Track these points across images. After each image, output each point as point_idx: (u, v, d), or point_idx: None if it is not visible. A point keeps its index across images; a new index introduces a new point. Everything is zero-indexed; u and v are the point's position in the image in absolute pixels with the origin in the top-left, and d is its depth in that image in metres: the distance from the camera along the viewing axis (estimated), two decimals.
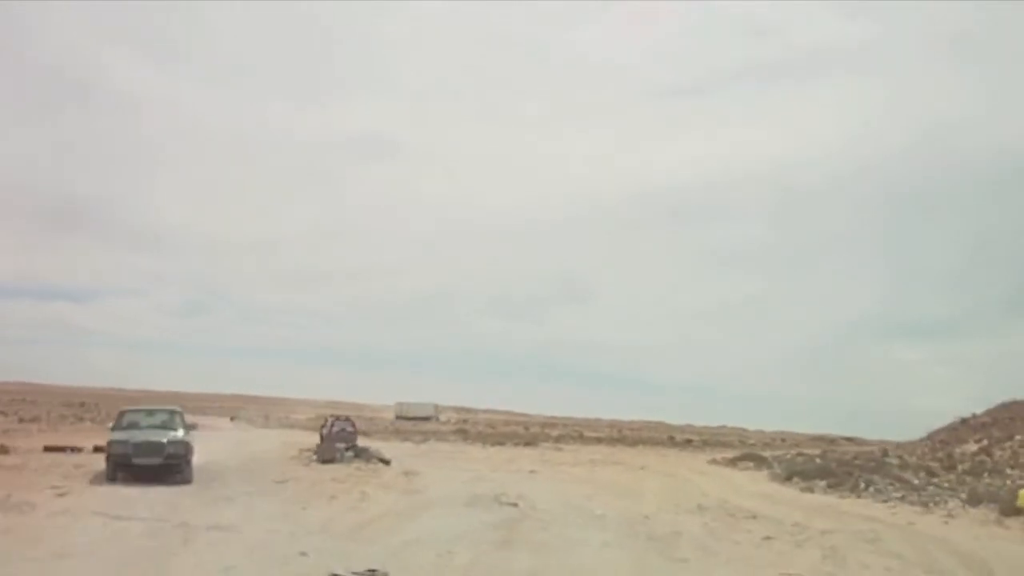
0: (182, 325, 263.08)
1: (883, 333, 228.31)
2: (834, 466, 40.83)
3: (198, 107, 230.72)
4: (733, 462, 53.08)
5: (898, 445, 52.23)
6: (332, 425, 57.03)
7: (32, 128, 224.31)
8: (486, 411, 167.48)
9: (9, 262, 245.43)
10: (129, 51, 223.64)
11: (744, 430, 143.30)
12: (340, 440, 52.56)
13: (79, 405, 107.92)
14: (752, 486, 37.18)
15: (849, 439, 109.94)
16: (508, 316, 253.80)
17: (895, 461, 43.00)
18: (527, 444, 68.05)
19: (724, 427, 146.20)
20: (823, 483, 36.42)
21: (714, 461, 56.32)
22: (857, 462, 43.36)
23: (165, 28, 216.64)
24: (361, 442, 45.50)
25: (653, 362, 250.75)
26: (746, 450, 64.72)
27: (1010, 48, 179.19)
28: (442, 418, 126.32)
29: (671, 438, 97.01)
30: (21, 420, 71.00)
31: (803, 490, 35.60)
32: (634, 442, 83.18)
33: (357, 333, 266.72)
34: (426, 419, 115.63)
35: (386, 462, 36.72)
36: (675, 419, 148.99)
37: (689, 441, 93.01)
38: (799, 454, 57.19)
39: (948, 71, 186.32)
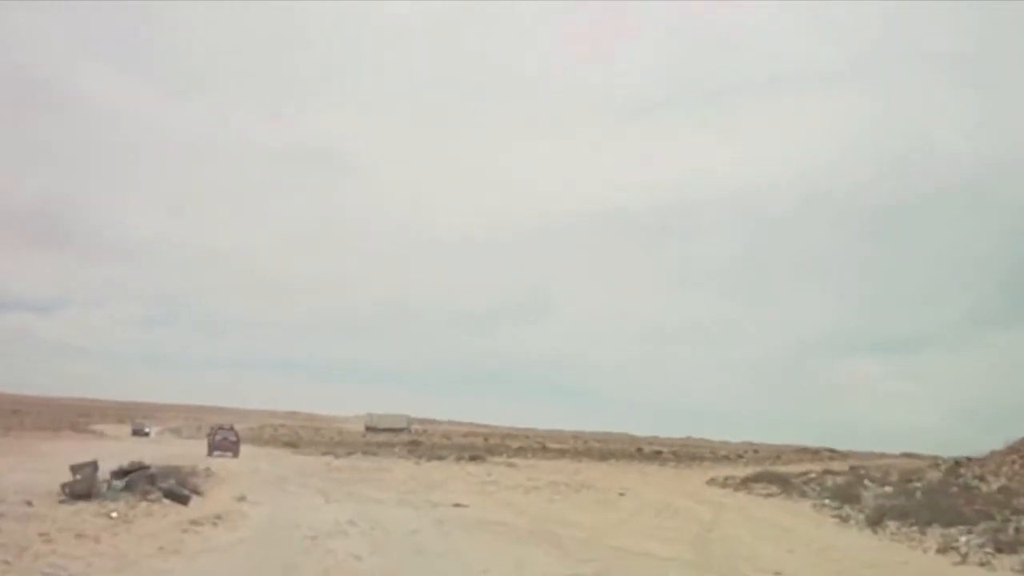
0: (143, 336, 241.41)
1: (847, 349, 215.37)
2: (940, 501, 23.28)
3: (163, 118, 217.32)
4: (745, 485, 35.81)
5: (969, 460, 34.89)
6: (215, 434, 53.63)
7: None
8: (449, 422, 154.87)
9: None
10: (92, 60, 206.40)
11: (709, 441, 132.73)
12: (220, 448, 49.93)
13: (11, 412, 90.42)
14: (837, 542, 19.59)
15: (831, 451, 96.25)
16: (470, 329, 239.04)
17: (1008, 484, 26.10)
18: (473, 459, 50.31)
19: (690, 438, 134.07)
20: (946, 532, 19.12)
21: (713, 482, 39.19)
22: (953, 489, 26.24)
23: (132, 39, 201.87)
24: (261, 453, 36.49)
25: (615, 376, 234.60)
26: (752, 467, 47.76)
27: (989, 71, 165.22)
28: (414, 429, 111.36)
29: (639, 450, 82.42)
30: None
31: (924, 548, 18.23)
32: (602, 455, 65.60)
33: (319, 345, 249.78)
34: (399, 430, 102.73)
35: (182, 499, 18.94)
36: (639, 431, 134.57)
37: (659, 453, 79.14)
38: (827, 472, 39.67)
39: (916, 96, 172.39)
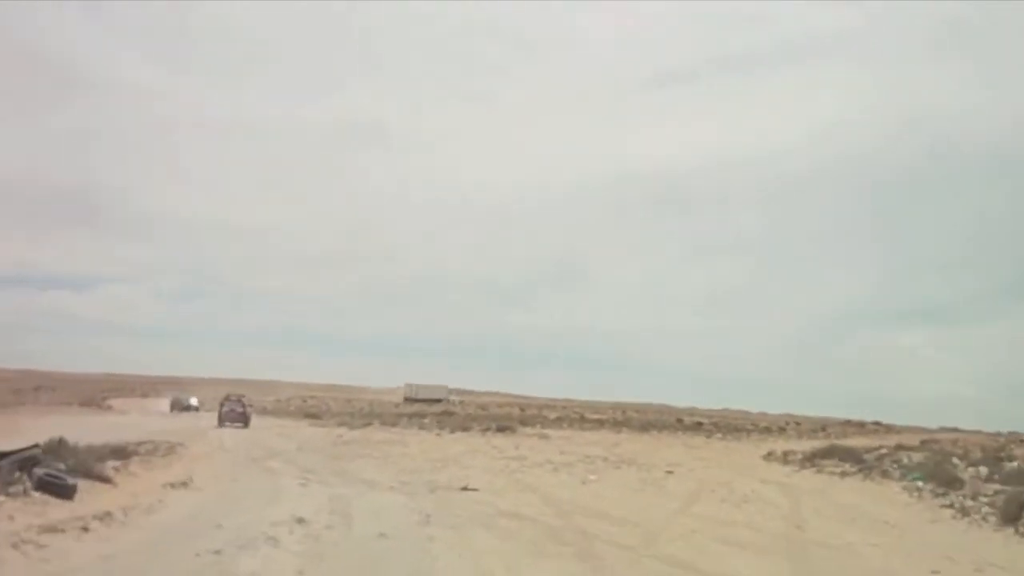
0: (180, 311, 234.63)
1: (881, 319, 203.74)
2: None
3: (194, 95, 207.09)
4: (812, 462, 29.60)
5: None
6: (224, 404, 50.68)
7: (29, 118, 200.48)
8: (488, 394, 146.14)
9: (5, 252, 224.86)
10: (125, 41, 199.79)
11: (748, 412, 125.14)
12: (229, 419, 47.80)
13: (33, 390, 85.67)
14: (990, 553, 13.46)
15: (877, 423, 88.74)
16: (508, 300, 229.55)
17: None
18: (502, 430, 44.25)
19: (728, 409, 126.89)
20: None
21: (772, 457, 33.09)
22: None
23: (162, 17, 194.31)
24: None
25: (651, 346, 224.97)
26: (805, 440, 41.47)
27: (1005, 35, 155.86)
28: (455, 399, 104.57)
29: (679, 420, 75.55)
30: None
31: None
32: (642, 426, 59.32)
33: (358, 318, 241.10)
34: (438, 401, 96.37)
35: (63, 492, 12.89)
36: (677, 402, 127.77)
37: (699, 424, 71.93)
38: (899, 447, 33.22)
39: (942, 57, 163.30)
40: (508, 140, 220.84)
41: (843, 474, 26.43)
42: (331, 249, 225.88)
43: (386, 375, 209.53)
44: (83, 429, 27.64)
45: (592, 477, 22.62)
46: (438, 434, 41.64)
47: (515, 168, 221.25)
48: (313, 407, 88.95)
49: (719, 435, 53.71)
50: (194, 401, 76.14)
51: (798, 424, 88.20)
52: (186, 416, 61.05)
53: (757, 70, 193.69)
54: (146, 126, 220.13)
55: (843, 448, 32.42)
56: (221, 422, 47.65)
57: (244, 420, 48.60)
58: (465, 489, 18.45)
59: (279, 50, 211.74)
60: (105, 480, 14.77)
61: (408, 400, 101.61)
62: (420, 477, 20.70)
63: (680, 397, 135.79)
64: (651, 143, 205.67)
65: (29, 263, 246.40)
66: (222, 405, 50.85)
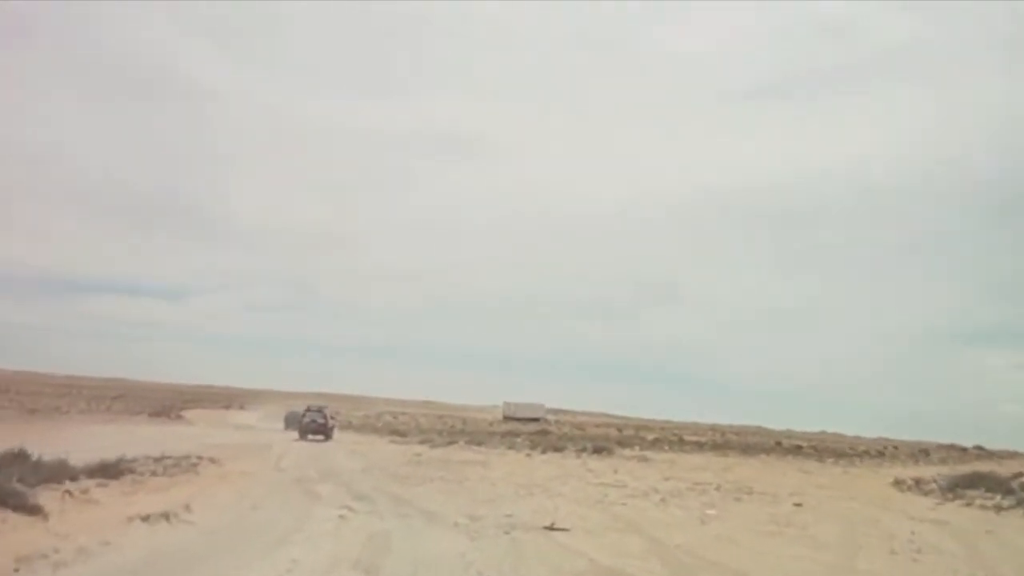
0: (269, 322, 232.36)
1: (966, 338, 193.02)
2: None
3: (281, 105, 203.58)
4: (954, 492, 24.46)
5: None
6: (304, 416, 48.42)
7: (118, 127, 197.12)
8: (583, 413, 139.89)
9: (100, 260, 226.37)
10: (219, 48, 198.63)
11: (843, 435, 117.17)
12: (311, 431, 45.76)
13: (111, 399, 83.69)
14: None
15: (980, 448, 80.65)
16: (602, 317, 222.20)
17: None
18: (598, 451, 39.39)
19: (824, 432, 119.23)
20: None
21: (902, 486, 27.86)
22: None
23: (243, 26, 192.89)
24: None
25: (743, 365, 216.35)
26: (919, 466, 35.74)
27: None
28: (550, 419, 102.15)
29: (778, 443, 69.13)
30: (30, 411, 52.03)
31: None
32: (744, 449, 53.76)
33: (449, 333, 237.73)
34: (535, 420, 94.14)
35: None
36: (770, 424, 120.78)
37: (799, 447, 65.28)
38: None
39: None
40: (603, 154, 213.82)
41: (997, 508, 21.22)
42: (423, 260, 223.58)
43: (479, 392, 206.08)
44: (117, 439, 24.21)
45: (710, 512, 17.79)
46: (528, 455, 37.04)
47: (611, 182, 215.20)
48: (402, 424, 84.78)
49: (831, 459, 48.02)
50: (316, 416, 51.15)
51: (895, 448, 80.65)
52: (269, 431, 57.39)
53: (844, 84, 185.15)
54: (241, 135, 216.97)
55: (987, 476, 26.89)
56: (302, 434, 45.62)
57: (325, 432, 46.46)
58: (551, 529, 13.90)
59: (374, 59, 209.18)
60: (32, 511, 10.50)
61: (506, 418, 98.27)
62: (496, 509, 16.21)
63: (772, 419, 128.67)
64: (742, 157, 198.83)
65: (121, 271, 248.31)
66: (302, 417, 48.40)
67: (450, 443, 42.95)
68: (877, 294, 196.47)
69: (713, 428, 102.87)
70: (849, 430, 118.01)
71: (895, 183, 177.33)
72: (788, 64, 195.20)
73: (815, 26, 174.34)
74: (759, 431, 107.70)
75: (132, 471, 15.45)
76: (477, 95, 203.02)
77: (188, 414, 69.33)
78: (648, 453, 41.74)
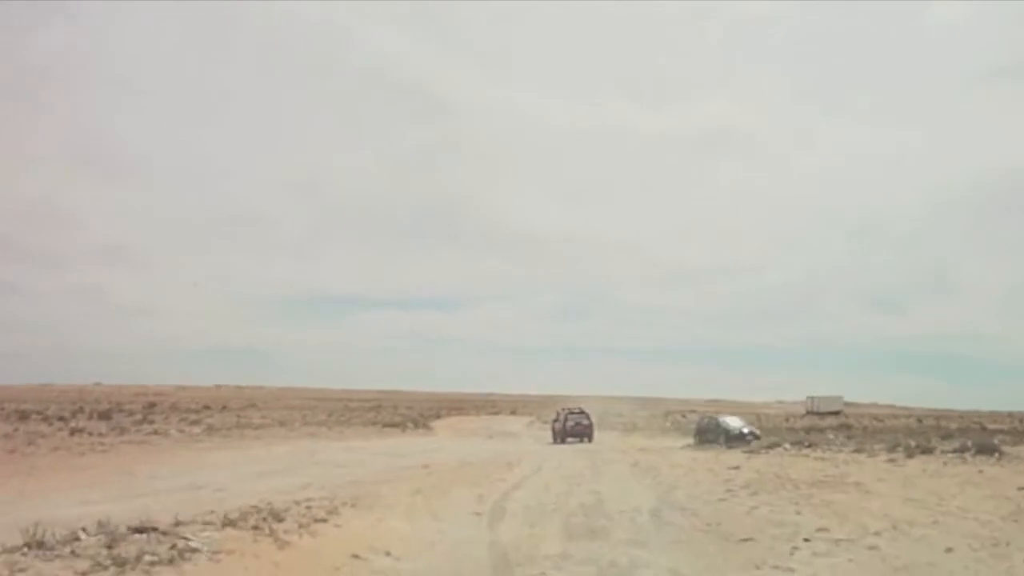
0: (553, 329, 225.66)
1: None
2: None
3: (542, 111, 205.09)
4: None
5: None
6: (565, 419, 47.76)
7: (383, 141, 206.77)
8: (869, 405, 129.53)
9: (373, 274, 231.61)
10: (479, 62, 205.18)
11: None
12: (573, 434, 46.42)
13: (367, 410, 78.69)
14: None
15: None
16: (877, 309, 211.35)
17: None
18: (982, 452, 27.00)
19: None
20: None
21: None
22: None
23: (498, 35, 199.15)
24: None
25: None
26: None
27: None
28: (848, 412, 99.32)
29: None
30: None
31: None
32: None
33: (728, 330, 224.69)
34: (835, 413, 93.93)
35: None
36: None
37: None
38: None
39: None
40: (868, 144, 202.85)
41: None
42: (694, 260, 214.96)
43: (754, 388, 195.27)
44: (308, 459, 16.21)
45: None
46: (890, 459, 25.64)
47: (876, 173, 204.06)
48: (691, 422, 74.65)
49: None
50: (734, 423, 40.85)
51: None
52: (532, 438, 50.26)
53: None
54: (505, 143, 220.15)
55: None
56: (562, 438, 46.43)
57: (587, 434, 46.89)
58: None
59: (617, 60, 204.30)
60: None
61: (808, 412, 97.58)
62: None
63: None
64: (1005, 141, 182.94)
65: (394, 284, 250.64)
66: (565, 420, 47.62)
67: (771, 446, 32.04)
68: None
69: (1010, 415, 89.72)
70: None
71: None
72: None
73: None
74: None
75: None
76: (742, 94, 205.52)
77: (438, 423, 62.63)
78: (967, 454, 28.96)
